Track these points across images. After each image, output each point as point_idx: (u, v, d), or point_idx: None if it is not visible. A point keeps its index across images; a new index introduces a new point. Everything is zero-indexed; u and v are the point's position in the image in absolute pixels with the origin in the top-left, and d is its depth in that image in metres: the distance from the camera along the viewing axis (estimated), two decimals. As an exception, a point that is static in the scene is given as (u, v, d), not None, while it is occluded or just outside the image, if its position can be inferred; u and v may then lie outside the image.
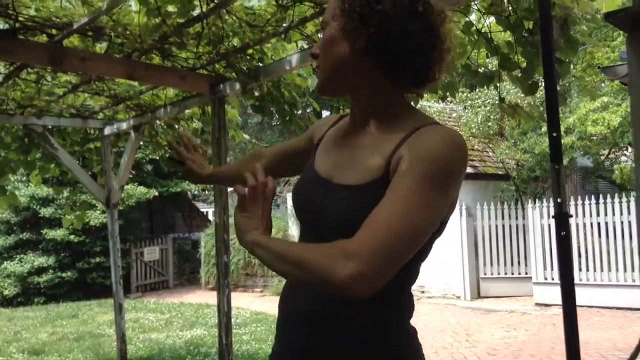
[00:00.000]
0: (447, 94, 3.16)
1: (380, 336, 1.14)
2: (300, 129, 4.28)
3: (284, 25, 3.30)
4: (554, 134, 2.17)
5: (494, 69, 2.85)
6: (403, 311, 1.20)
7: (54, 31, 3.34)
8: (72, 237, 13.17)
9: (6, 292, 13.20)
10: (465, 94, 10.74)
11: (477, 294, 10.30)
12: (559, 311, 8.37)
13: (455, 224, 10.08)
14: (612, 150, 12.45)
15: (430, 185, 1.04)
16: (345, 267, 0.96)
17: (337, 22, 1.17)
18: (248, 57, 3.79)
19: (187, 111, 4.89)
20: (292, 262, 1.07)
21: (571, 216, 6.59)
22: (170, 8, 3.05)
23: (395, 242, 0.99)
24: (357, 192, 1.14)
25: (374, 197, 1.06)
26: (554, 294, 8.85)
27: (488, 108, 10.57)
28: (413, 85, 1.21)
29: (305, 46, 3.48)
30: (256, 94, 4.09)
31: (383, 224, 1.00)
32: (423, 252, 1.13)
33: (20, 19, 3.19)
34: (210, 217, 20.36)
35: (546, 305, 9.08)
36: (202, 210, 20.78)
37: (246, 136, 5.89)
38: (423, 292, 10.70)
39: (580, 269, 8.86)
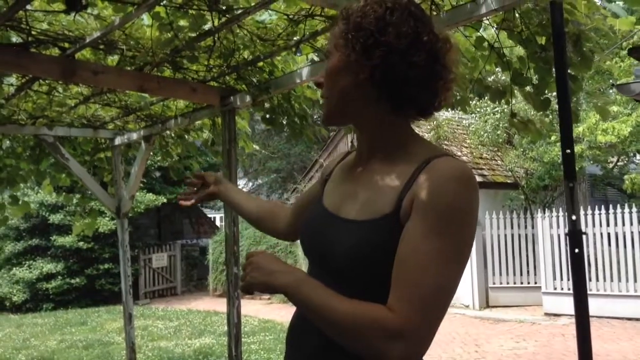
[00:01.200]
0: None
1: None
2: (310, 141, 4.29)
3: (295, 38, 3.31)
4: (568, 151, 2.16)
5: (506, 83, 2.84)
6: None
7: (66, 45, 3.37)
8: (81, 243, 13.24)
9: (15, 299, 13.27)
10: (474, 102, 10.73)
11: (486, 304, 10.25)
12: (568, 321, 8.34)
13: (464, 232, 10.03)
14: (621, 157, 12.39)
15: (456, 239, 1.03)
16: (395, 348, 0.97)
17: (340, 52, 1.16)
18: (259, 70, 3.80)
19: (197, 122, 4.90)
20: (332, 325, 1.05)
21: (585, 234, 6.55)
22: (182, 22, 3.07)
23: (434, 311, 1.00)
24: (366, 227, 1.11)
25: (383, 233, 1.06)
26: (564, 304, 8.80)
27: (497, 116, 10.55)
28: (418, 115, 1.20)
29: (316, 59, 3.48)
30: (266, 105, 4.10)
31: (421, 293, 0.99)
32: None
33: (33, 32, 3.21)
34: (218, 223, 20.41)
35: (555, 315, 9.03)
36: (209, 216, 20.82)
37: (256, 147, 5.89)
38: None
39: (590, 279, 8.80)
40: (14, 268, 13.79)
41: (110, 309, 12.48)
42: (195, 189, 1.76)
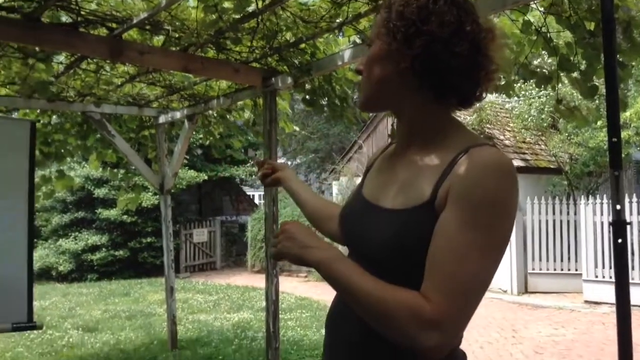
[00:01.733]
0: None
1: None
2: (350, 123, 4.30)
3: (338, 20, 3.31)
4: (614, 140, 2.12)
5: (552, 68, 2.79)
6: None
7: (114, 25, 3.45)
8: (125, 217, 13.61)
9: (61, 268, 13.78)
10: (518, 85, 10.49)
11: (525, 289, 10.14)
12: (609, 310, 8.19)
13: (504, 217, 9.90)
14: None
15: (492, 231, 1.03)
16: (428, 337, 0.99)
17: (381, 41, 1.15)
18: (300, 52, 3.81)
19: (239, 102, 4.97)
20: (365, 308, 1.06)
21: (629, 223, 6.36)
22: (227, 4, 3.10)
23: (469, 302, 1.01)
24: (402, 216, 1.11)
25: (419, 222, 1.07)
26: (604, 292, 8.64)
27: (542, 100, 10.30)
28: (459, 104, 1.19)
29: (358, 41, 3.48)
30: (307, 87, 4.12)
31: (456, 284, 1.00)
32: None
33: (82, 13, 3.30)
34: (257, 201, 20.65)
35: (596, 303, 8.87)
36: (249, 194, 21.08)
37: (296, 128, 5.93)
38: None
39: (632, 268, 8.59)
40: (60, 239, 14.30)
41: (152, 281, 12.84)
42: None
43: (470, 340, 6.57)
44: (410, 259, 1.07)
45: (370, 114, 12.07)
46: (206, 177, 15.26)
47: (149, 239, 14.07)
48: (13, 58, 3.91)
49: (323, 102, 4.23)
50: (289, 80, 3.90)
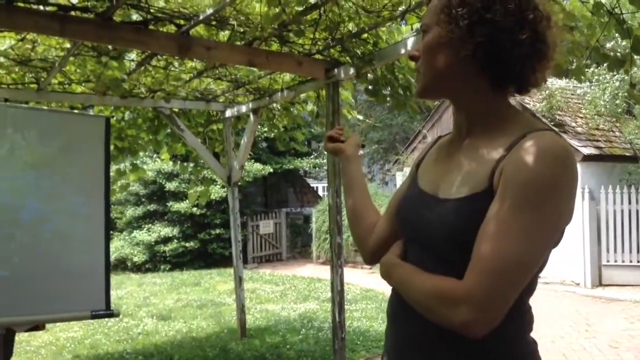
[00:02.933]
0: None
1: (499, 355, 1.12)
2: (414, 112, 4.26)
3: (401, 9, 3.29)
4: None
5: (625, 51, 2.67)
6: (522, 326, 1.16)
7: (181, 22, 3.56)
8: (194, 209, 14.02)
9: (136, 259, 14.36)
10: (591, 70, 10.07)
11: (599, 282, 9.75)
12: (690, 304, 7.77)
13: (577, 207, 9.53)
14: None
15: (536, 215, 1.01)
16: (458, 313, 1.00)
17: (441, 28, 1.14)
18: (363, 42, 3.81)
19: (302, 94, 5.02)
20: (413, 299, 1.15)
21: None
22: (290, -3, 3.14)
23: (502, 281, 1.00)
24: (462, 204, 1.11)
25: (480, 210, 1.06)
26: (687, 286, 8.21)
27: (616, 84, 9.84)
28: (516, 91, 1.17)
29: (421, 29, 3.44)
30: (370, 77, 4.12)
31: (488, 263, 1.00)
32: (542, 266, 1.12)
33: (152, 10, 3.43)
34: (320, 192, 20.79)
35: (677, 296, 8.44)
36: (313, 186, 21.24)
37: (359, 116, 5.93)
38: (539, 277, 10.29)
39: None
40: (135, 231, 14.91)
41: (221, 271, 13.18)
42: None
43: (541, 334, 6.40)
44: (468, 248, 1.05)
45: (435, 102, 11.90)
46: (271, 170, 15.51)
47: (217, 231, 14.44)
48: (88, 57, 4.11)
49: (386, 92, 4.22)
50: (352, 70, 3.91)
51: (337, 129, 1.63)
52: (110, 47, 3.87)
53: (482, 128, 1.18)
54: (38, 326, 3.72)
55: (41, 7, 3.17)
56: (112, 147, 5.41)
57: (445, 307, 1.04)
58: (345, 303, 4.28)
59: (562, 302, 8.41)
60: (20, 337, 6.21)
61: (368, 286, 10.30)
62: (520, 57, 1.09)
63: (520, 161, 1.03)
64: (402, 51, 3.57)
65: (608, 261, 9.72)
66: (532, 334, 1.19)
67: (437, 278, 1.09)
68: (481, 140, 1.17)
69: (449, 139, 1.32)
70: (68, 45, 3.85)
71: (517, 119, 1.16)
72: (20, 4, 3.10)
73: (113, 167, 5.82)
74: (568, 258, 9.67)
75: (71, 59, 4.07)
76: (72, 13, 3.26)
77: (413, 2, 3.14)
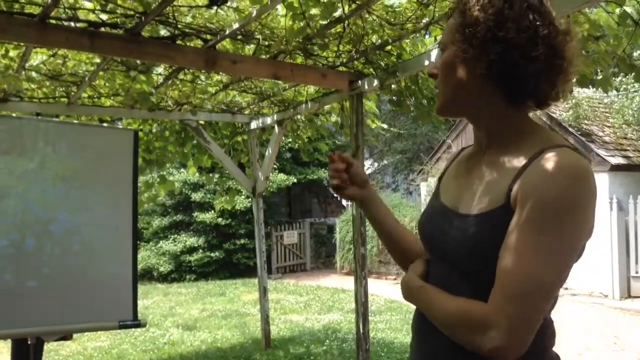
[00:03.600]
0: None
1: None
2: (438, 123, 4.26)
3: (424, 21, 3.30)
4: None
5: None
6: (544, 341, 1.15)
7: (208, 37, 3.63)
8: (219, 220, 14.12)
9: (162, 269, 14.49)
10: (619, 79, 9.92)
11: (627, 294, 9.56)
12: None
13: (605, 218, 9.40)
14: None
15: (557, 234, 1.01)
16: (488, 339, 1.01)
17: (456, 46, 1.15)
18: (387, 54, 3.83)
19: (326, 106, 5.05)
20: (437, 321, 1.15)
21: None
22: (314, 11, 3.18)
23: (527, 303, 1.01)
24: (480, 220, 1.11)
25: (498, 226, 1.06)
26: None
27: (645, 93, 9.69)
28: (535, 106, 1.18)
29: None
30: (394, 88, 4.13)
31: (514, 287, 1.01)
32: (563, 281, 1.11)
33: (179, 26, 3.50)
34: (344, 202, 20.76)
35: None
36: (336, 196, 21.22)
37: (384, 125, 5.95)
38: (566, 288, 10.13)
39: None
40: (161, 241, 15.05)
41: (246, 281, 13.23)
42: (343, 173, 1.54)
43: (568, 347, 6.30)
44: (490, 263, 1.06)
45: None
46: (295, 180, 15.55)
47: (242, 241, 14.51)
48: (117, 71, 4.20)
49: (410, 103, 4.22)
50: (375, 82, 3.93)
51: (338, 165, 1.51)
52: (138, 61, 3.95)
53: (501, 143, 1.19)
54: (66, 336, 3.80)
55: (72, 24, 3.26)
56: (140, 160, 5.49)
57: (473, 333, 1.04)
58: (370, 314, 4.28)
59: (590, 314, 8.27)
60: (49, 347, 6.32)
61: (392, 297, 10.24)
62: (535, 73, 1.09)
63: (539, 179, 1.04)
64: (426, 63, 3.58)
65: (637, 272, 9.52)
66: (560, 346, 1.19)
67: (462, 301, 1.09)
68: (499, 155, 1.17)
69: (469, 152, 1.33)
70: (98, 60, 3.95)
71: (534, 134, 1.16)
72: (52, 21, 3.19)
73: (141, 179, 5.91)
74: (596, 269, 9.51)
75: (100, 73, 4.17)
76: (102, 29, 3.34)
77: (436, 15, 3.15)
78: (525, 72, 1.09)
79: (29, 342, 3.22)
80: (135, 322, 3.61)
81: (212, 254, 14.39)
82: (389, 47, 3.74)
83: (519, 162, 1.10)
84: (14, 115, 4.55)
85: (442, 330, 1.13)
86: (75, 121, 4.93)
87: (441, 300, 1.14)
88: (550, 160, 1.04)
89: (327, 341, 6.71)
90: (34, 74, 4.18)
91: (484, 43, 1.10)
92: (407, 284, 1.27)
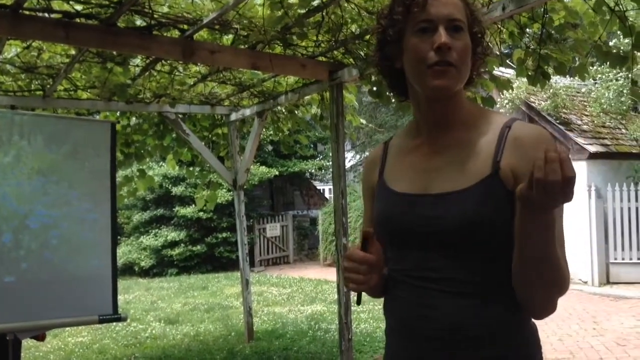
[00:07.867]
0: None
1: (532, 330, 1.25)
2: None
3: (403, 10, 3.29)
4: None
5: (627, 48, 2.67)
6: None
7: (185, 26, 3.58)
8: (201, 213, 14.04)
9: (143, 264, 14.40)
10: (595, 67, 10.03)
11: (606, 280, 9.72)
12: (700, 301, 7.72)
13: (584, 205, 9.53)
14: None
15: None
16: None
17: (470, 39, 1.25)
18: (366, 43, 3.82)
19: (306, 97, 5.03)
20: (552, 273, 1.21)
21: None
22: (292, 0, 3.16)
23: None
24: (468, 194, 1.17)
25: (489, 194, 1.15)
26: (696, 283, 8.16)
27: (621, 82, 9.81)
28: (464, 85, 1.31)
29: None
30: (373, 79, 4.12)
31: (564, 251, 1.18)
32: None
33: (155, 16, 3.44)
34: (327, 195, 20.79)
35: (686, 294, 8.40)
36: (319, 188, 21.23)
37: (363, 121, 5.95)
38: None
39: None
40: (142, 236, 14.94)
41: (229, 275, 13.18)
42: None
43: (549, 332, 6.38)
44: (485, 231, 1.15)
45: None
46: (277, 173, 15.52)
47: (224, 234, 14.46)
48: (93, 63, 4.13)
49: (390, 94, 4.22)
50: (355, 72, 3.92)
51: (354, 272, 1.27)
52: (114, 52, 3.89)
53: (463, 122, 1.27)
54: (39, 336, 3.75)
55: (46, 15, 3.20)
56: (119, 153, 5.43)
57: (564, 290, 1.18)
58: (352, 304, 4.28)
59: (570, 301, 8.38)
60: (29, 343, 6.24)
61: (375, 288, 10.28)
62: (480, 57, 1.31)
63: (536, 147, 1.12)
64: (405, 52, 3.57)
65: (615, 259, 9.69)
66: (541, 332, 1.29)
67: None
68: (467, 132, 1.25)
69: (404, 141, 1.38)
70: (73, 52, 3.88)
71: (485, 110, 1.33)
72: (26, 12, 3.13)
73: (120, 173, 5.84)
74: (575, 256, 9.63)
75: (76, 65, 4.10)
76: (77, 20, 3.28)
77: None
78: (484, 57, 1.31)
79: (8, 339, 3.18)
80: (116, 316, 3.58)
81: (194, 248, 14.32)
82: (368, 37, 3.73)
83: (492, 134, 1.22)
84: (-12, 108, 4.46)
85: (540, 284, 1.14)
86: (51, 114, 4.85)
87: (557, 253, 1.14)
88: (525, 130, 1.20)
89: (311, 332, 6.72)
90: (8, 66, 4.10)
91: (480, 36, 1.28)
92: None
